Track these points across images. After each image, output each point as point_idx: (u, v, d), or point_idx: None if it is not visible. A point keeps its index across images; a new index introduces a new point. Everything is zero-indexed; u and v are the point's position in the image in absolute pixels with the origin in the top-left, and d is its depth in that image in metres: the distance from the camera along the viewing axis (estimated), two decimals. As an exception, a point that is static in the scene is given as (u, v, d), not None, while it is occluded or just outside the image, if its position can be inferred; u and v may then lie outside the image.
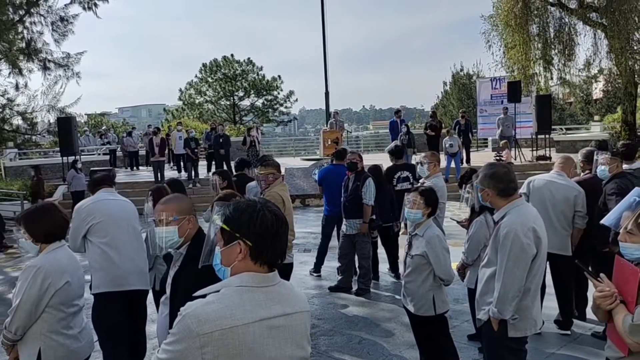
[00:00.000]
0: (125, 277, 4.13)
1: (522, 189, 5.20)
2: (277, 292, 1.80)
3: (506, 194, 3.23)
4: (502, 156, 16.81)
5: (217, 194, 5.79)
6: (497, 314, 3.18)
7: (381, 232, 7.26)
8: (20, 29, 17.99)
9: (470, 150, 16.98)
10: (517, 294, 3.13)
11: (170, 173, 17.33)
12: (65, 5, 18.76)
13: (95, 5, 18.81)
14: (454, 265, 5.06)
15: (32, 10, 18.00)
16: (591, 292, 2.78)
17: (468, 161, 16.12)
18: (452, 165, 14.90)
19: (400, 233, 7.56)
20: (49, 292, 2.99)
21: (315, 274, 7.63)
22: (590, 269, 2.72)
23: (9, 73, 17.81)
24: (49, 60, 18.52)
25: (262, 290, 1.76)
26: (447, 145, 14.89)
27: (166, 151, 16.89)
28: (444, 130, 16.58)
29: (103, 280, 4.08)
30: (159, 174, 15.63)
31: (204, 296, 1.75)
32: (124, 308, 4.16)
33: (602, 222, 2.76)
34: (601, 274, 2.55)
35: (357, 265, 7.01)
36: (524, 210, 3.23)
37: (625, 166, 5.75)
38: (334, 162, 7.61)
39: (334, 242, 7.66)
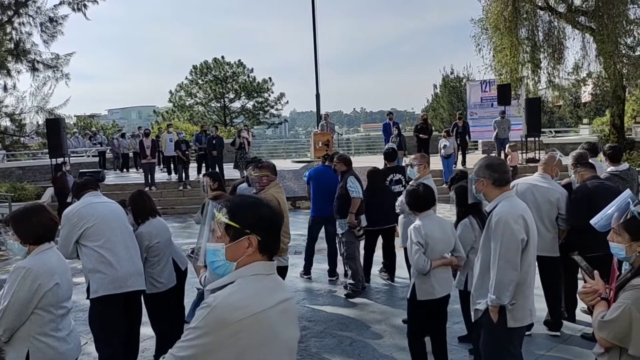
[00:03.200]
0: (124, 279, 4.08)
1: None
2: (277, 278, 1.95)
3: (500, 184, 3.40)
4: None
5: (207, 195, 5.77)
6: (496, 300, 3.25)
7: (384, 234, 7.26)
8: (8, 30, 17.82)
9: (467, 152, 17.00)
10: (513, 279, 3.23)
11: (160, 175, 17.25)
12: (54, 6, 18.62)
13: (85, 6, 18.68)
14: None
15: (20, 10, 17.84)
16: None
17: (464, 163, 16.14)
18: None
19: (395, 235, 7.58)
20: (39, 293, 2.94)
21: (305, 276, 7.62)
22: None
23: (-3, 74, 17.67)
24: (38, 61, 18.36)
25: (270, 277, 1.89)
26: (441, 147, 14.88)
27: (156, 153, 16.80)
28: (435, 133, 16.61)
29: (101, 283, 4.02)
30: (149, 176, 15.56)
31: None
32: (121, 310, 4.14)
33: (591, 222, 2.79)
34: (595, 272, 2.59)
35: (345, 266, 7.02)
36: (514, 201, 3.42)
37: (611, 168, 5.81)
38: (326, 164, 7.61)
39: (323, 245, 7.66)
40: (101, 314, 4.07)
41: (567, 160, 5.87)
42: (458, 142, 16.07)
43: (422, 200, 4.35)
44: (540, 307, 5.25)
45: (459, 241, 4.43)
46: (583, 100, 31.73)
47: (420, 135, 16.10)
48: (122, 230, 4.21)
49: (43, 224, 3.11)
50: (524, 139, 17.22)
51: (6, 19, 17.58)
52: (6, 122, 19.00)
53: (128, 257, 4.15)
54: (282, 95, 42.87)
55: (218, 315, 1.70)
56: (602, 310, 2.46)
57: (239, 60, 42.00)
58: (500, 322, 3.29)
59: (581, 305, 5.15)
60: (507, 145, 14.99)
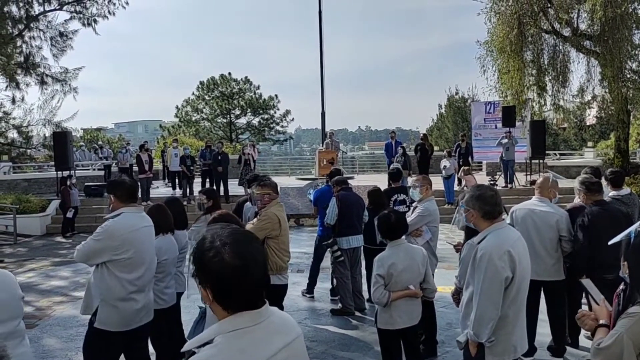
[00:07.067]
0: (135, 315, 3.91)
1: (507, 220, 5.20)
2: (273, 323, 1.66)
3: (490, 217, 3.26)
4: (496, 180, 16.88)
5: (202, 213, 5.81)
6: (474, 337, 3.18)
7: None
8: (19, 43, 18.06)
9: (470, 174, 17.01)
10: (493, 317, 3.13)
11: (164, 190, 17.30)
12: (65, 20, 18.92)
13: (95, 21, 18.96)
14: (449, 290, 5.06)
15: (31, 24, 18.09)
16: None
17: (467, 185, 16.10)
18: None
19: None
20: None
21: (308, 295, 7.59)
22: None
23: (6, 86, 17.82)
24: (47, 75, 18.55)
25: (259, 327, 1.61)
26: (441, 167, 14.91)
27: (161, 168, 16.85)
28: (438, 153, 16.64)
29: (113, 318, 3.81)
30: (144, 192, 15.32)
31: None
32: (123, 342, 3.95)
33: (609, 243, 2.80)
34: (601, 297, 2.59)
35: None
36: (504, 234, 3.25)
37: (613, 192, 5.81)
38: (329, 183, 7.64)
39: (326, 264, 7.64)
40: (98, 344, 3.87)
41: (574, 184, 5.85)
42: (460, 163, 16.08)
43: (393, 229, 4.29)
44: (544, 332, 5.24)
45: (430, 272, 4.36)
46: (588, 123, 31.78)
47: (420, 156, 16.12)
48: (151, 263, 4.07)
49: None
50: (528, 161, 17.24)
51: (17, 33, 17.81)
52: (13, 134, 19.11)
53: (147, 291, 4.03)
54: (287, 112, 43.11)
55: None
56: (600, 337, 2.46)
57: (246, 77, 42.35)
58: (478, 356, 3.21)
59: (585, 331, 5.11)
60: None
